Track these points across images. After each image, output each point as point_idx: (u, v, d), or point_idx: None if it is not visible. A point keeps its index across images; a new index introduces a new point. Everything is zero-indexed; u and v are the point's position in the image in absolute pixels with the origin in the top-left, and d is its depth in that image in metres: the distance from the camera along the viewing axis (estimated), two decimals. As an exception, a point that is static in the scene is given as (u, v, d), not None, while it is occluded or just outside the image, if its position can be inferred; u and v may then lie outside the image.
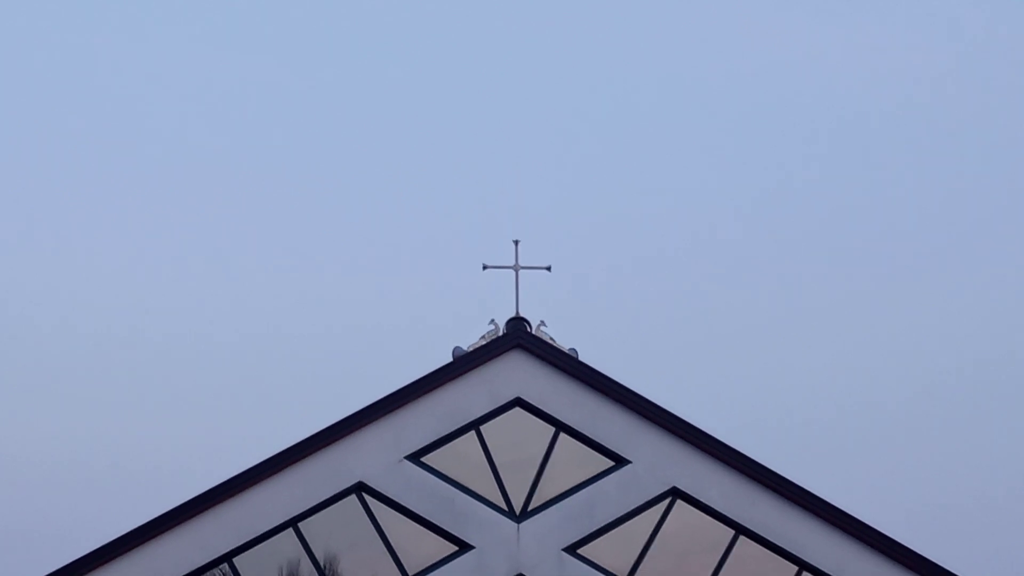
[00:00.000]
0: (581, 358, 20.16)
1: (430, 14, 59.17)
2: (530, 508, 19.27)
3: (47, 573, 18.63)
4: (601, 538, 19.20)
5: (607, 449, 19.40)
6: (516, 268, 20.47)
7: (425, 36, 58.28)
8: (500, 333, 20.05)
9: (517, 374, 19.69)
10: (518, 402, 19.50)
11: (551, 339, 19.98)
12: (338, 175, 56.27)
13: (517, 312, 20.19)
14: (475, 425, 19.40)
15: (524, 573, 18.76)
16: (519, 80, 58.52)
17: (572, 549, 19.01)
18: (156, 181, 56.04)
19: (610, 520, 19.20)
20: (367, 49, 59.85)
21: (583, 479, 19.38)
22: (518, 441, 19.68)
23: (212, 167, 56.40)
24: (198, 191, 55.06)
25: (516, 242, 20.95)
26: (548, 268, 20.81)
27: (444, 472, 19.25)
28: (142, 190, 55.88)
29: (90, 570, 18.45)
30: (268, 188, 57.01)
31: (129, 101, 56.87)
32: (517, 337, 19.80)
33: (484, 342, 20.04)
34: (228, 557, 18.84)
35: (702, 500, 19.34)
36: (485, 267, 20.72)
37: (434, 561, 18.94)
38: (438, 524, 18.99)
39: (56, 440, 46.99)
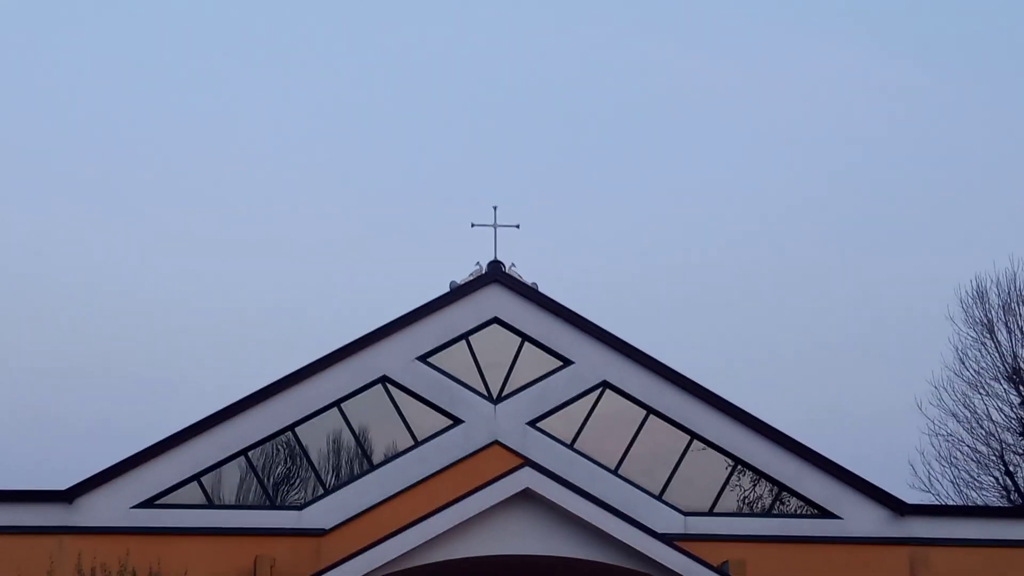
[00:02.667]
0: (540, 290, 23.05)
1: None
2: (504, 394, 22.22)
3: (162, 437, 21.30)
4: (552, 416, 22.18)
5: (558, 353, 22.45)
6: (495, 225, 23.44)
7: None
8: (483, 272, 22.93)
9: (495, 301, 22.64)
10: (496, 320, 22.60)
11: (519, 276, 23.08)
12: (374, 158, 60.48)
13: (495, 257, 23.10)
14: (465, 336, 22.46)
15: (499, 439, 21.71)
16: (501, 74, 62.09)
17: (533, 423, 22.03)
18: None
19: (559, 403, 22.21)
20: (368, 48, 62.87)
21: (540, 374, 22.38)
22: (495, 348, 22.46)
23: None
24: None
25: (495, 207, 23.89)
26: (517, 226, 23.81)
27: (443, 368, 22.22)
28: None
29: (198, 434, 21.38)
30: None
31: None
32: (495, 275, 22.83)
33: (472, 278, 22.99)
34: (292, 427, 21.69)
35: (624, 390, 22.38)
36: (472, 225, 23.72)
37: (435, 431, 21.91)
38: (439, 405, 22.00)
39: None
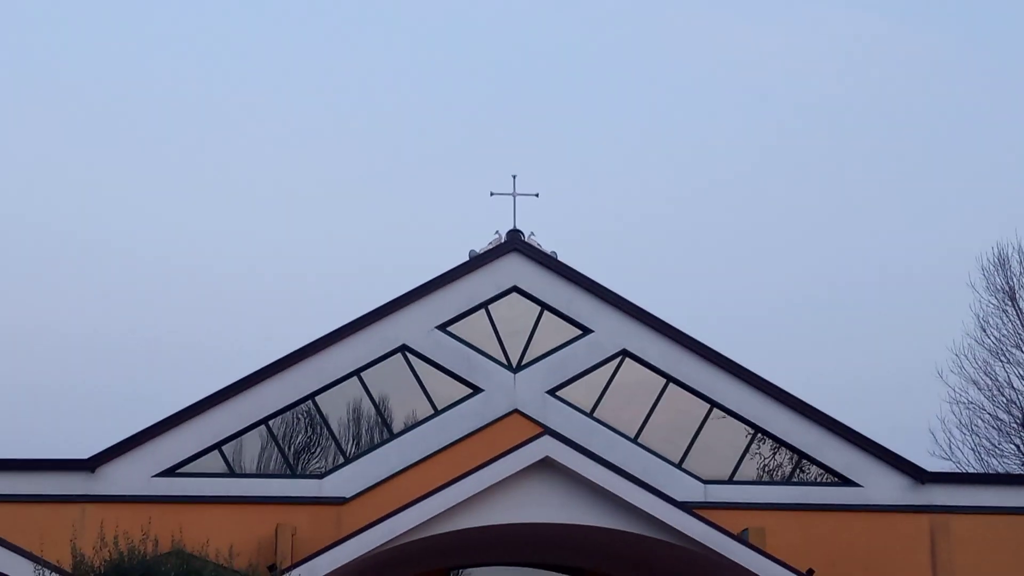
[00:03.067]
0: (560, 258, 22.96)
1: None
2: (523, 363, 22.21)
3: (187, 405, 21.35)
4: (572, 384, 22.15)
5: (577, 322, 22.44)
6: (514, 194, 23.37)
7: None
8: (502, 240, 22.96)
9: (514, 269, 22.62)
10: (515, 289, 22.58)
11: (538, 244, 22.96)
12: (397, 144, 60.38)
13: (514, 226, 23.12)
14: (484, 305, 22.46)
15: (519, 407, 21.71)
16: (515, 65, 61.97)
17: (552, 392, 22.01)
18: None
19: (579, 372, 22.19)
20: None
21: (560, 343, 22.36)
22: (515, 316, 22.49)
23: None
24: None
25: (514, 176, 23.79)
26: (536, 195, 23.61)
27: (463, 337, 22.23)
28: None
29: (218, 403, 21.39)
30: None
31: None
32: (514, 243, 22.82)
33: (491, 247, 23.01)
34: (312, 396, 21.71)
35: (644, 359, 22.35)
36: (492, 194, 23.62)
37: (455, 400, 21.93)
38: (458, 374, 22.02)
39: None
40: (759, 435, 22.48)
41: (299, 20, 63.45)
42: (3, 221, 53.62)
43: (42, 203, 55.64)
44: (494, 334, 22.61)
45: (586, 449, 19.45)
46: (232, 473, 21.59)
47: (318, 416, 22.05)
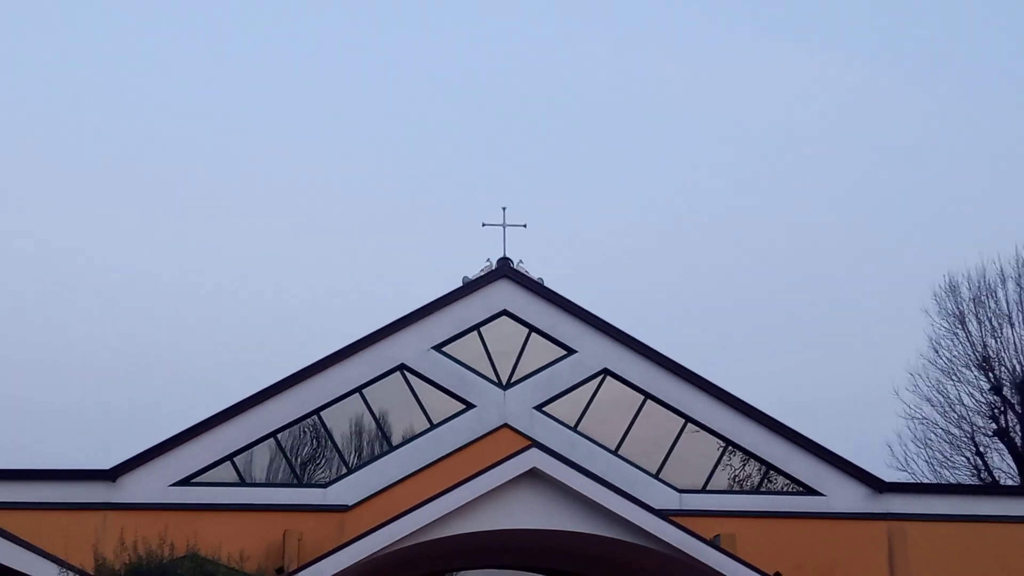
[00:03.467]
0: (546, 284, 22.96)
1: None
2: (512, 381, 22.15)
3: (201, 419, 21.28)
4: (557, 401, 22.11)
5: (562, 343, 22.39)
6: (504, 225, 23.35)
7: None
8: (493, 268, 22.94)
9: (504, 295, 22.56)
10: (505, 313, 22.51)
11: (526, 271, 22.94)
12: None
13: (504, 254, 23.06)
14: (477, 327, 22.38)
15: (508, 422, 21.65)
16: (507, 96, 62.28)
17: (539, 408, 21.97)
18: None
19: (563, 389, 22.14)
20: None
21: (546, 362, 22.30)
22: (505, 338, 22.41)
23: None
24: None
25: (504, 208, 23.82)
26: (525, 225, 23.65)
27: (457, 357, 22.15)
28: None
29: (230, 418, 21.34)
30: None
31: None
32: (504, 271, 22.78)
33: (483, 273, 22.92)
34: (317, 411, 21.66)
35: (624, 377, 22.33)
36: (484, 224, 23.72)
37: (449, 415, 21.84)
38: (452, 391, 21.94)
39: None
40: (730, 448, 22.45)
41: (307, 53, 63.76)
42: (35, 243, 54.24)
43: (70, 225, 55.97)
44: (486, 354, 22.55)
45: (570, 460, 19.37)
46: (243, 482, 21.51)
47: (323, 430, 22.00)
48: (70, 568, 12.53)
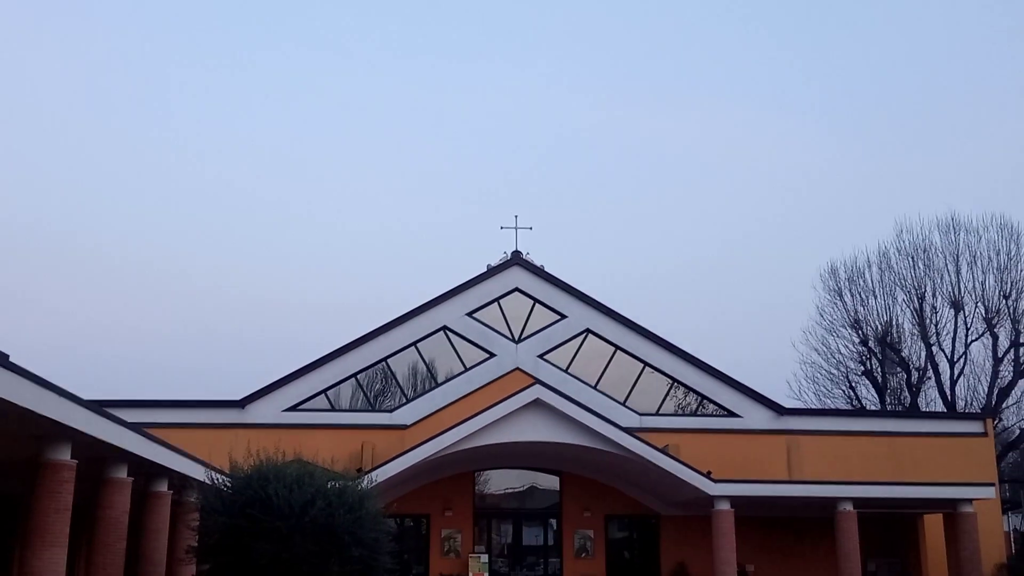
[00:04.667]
0: (546, 269, 22.79)
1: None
2: (522, 337, 22.09)
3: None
4: (554, 351, 22.03)
5: (557, 310, 22.34)
6: (516, 228, 23.17)
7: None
8: (508, 258, 22.83)
9: (516, 277, 22.53)
10: (517, 289, 22.50)
11: (532, 260, 22.83)
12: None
13: (516, 248, 23.01)
14: (497, 300, 22.33)
15: (519, 367, 21.59)
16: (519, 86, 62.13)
17: (541, 356, 21.95)
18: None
19: (558, 343, 22.09)
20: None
21: (545, 324, 22.24)
22: (516, 307, 22.34)
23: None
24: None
25: (516, 216, 24.42)
26: (531, 228, 24.71)
27: (483, 320, 22.12)
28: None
29: (324, 364, 21.29)
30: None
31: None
32: (516, 260, 22.72)
33: (501, 262, 22.86)
34: (385, 359, 21.68)
35: (601, 335, 22.23)
36: (501, 227, 23.74)
37: (477, 361, 21.77)
38: (479, 344, 21.95)
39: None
40: (675, 384, 22.36)
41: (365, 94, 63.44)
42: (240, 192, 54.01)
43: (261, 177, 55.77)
44: (503, 319, 22.45)
45: (563, 393, 19.36)
46: (333, 409, 21.49)
47: (389, 372, 21.94)
48: (213, 469, 12.62)
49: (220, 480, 11.57)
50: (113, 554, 11.00)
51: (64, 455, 9.36)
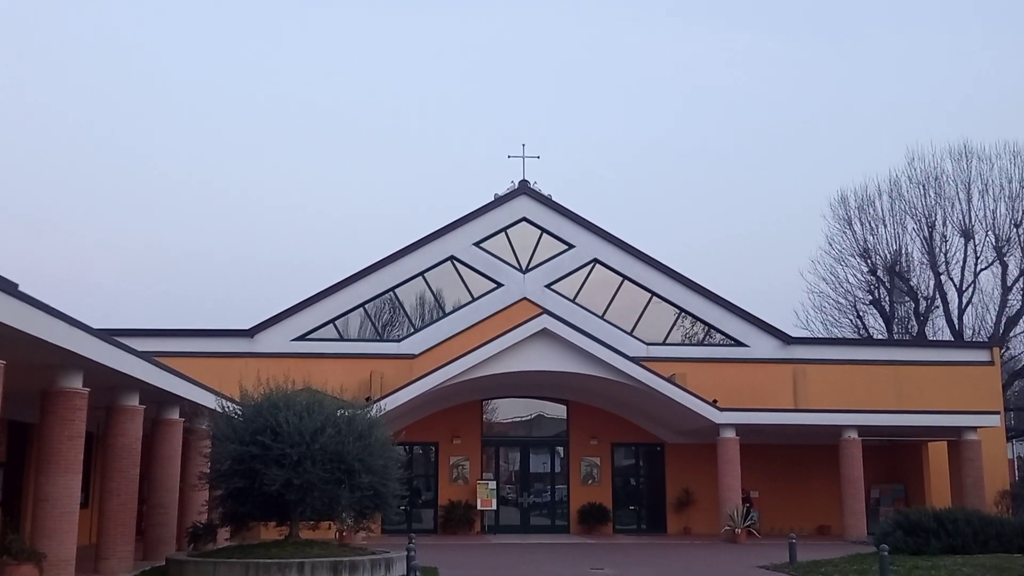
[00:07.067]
0: (554, 199, 22.52)
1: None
2: (529, 267, 22.01)
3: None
4: (562, 281, 21.99)
5: (564, 240, 22.22)
6: (523, 157, 22.93)
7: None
8: (515, 187, 22.64)
9: (523, 206, 22.39)
10: (524, 219, 22.37)
11: (539, 189, 22.62)
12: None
13: (524, 177, 22.76)
14: (504, 229, 22.23)
15: (527, 296, 21.57)
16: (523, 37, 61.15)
17: (549, 286, 21.91)
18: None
19: (565, 273, 22.02)
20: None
21: (553, 254, 22.14)
22: (524, 237, 22.25)
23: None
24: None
25: (523, 144, 23.50)
26: (538, 157, 23.23)
27: (490, 250, 22.05)
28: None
29: (332, 294, 21.24)
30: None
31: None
32: (523, 189, 22.56)
33: (509, 191, 22.67)
34: (392, 288, 21.63)
35: (608, 264, 22.15)
36: (509, 156, 23.29)
37: (485, 291, 21.76)
38: (487, 274, 21.90)
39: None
40: (682, 314, 22.35)
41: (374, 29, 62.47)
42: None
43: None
44: (510, 248, 22.39)
45: (570, 322, 19.39)
46: (341, 338, 21.54)
47: (397, 301, 21.94)
48: (224, 397, 12.74)
49: (231, 408, 11.66)
50: (127, 480, 11.20)
51: (76, 383, 9.46)
